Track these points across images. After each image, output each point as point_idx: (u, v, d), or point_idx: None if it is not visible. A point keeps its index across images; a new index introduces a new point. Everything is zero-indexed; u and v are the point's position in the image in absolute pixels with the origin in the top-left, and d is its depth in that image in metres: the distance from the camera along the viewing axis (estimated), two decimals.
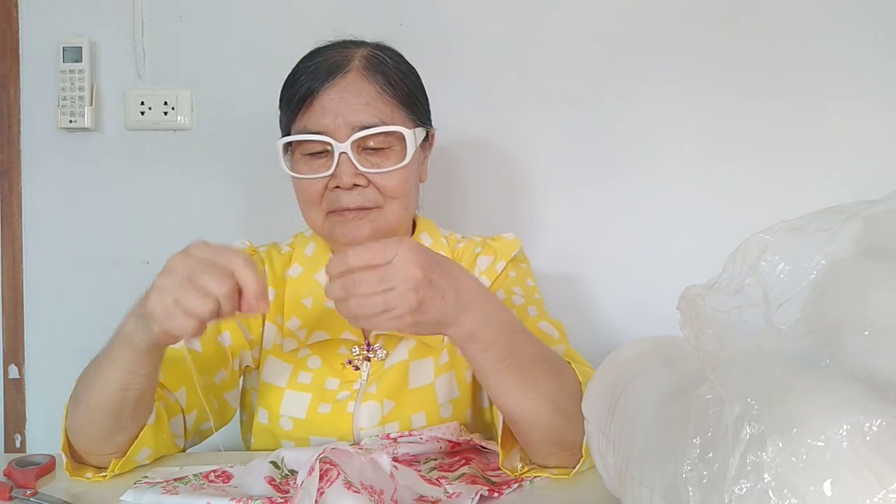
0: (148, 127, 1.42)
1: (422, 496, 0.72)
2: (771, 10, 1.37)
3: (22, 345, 1.44)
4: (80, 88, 1.39)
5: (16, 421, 1.45)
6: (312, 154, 0.92)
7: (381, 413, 0.93)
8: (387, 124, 0.90)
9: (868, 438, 0.38)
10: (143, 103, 1.41)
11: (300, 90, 0.91)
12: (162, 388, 0.88)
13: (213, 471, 0.79)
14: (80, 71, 1.39)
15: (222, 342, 0.95)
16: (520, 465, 0.79)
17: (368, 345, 0.97)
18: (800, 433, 0.38)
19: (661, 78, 1.38)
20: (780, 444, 0.39)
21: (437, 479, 0.75)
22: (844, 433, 0.38)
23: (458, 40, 1.40)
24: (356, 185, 0.90)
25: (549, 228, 1.42)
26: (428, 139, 0.99)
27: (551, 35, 1.39)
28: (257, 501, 0.70)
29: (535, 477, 0.79)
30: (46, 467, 0.80)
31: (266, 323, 0.99)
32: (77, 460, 0.82)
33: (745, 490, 0.39)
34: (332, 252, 1.01)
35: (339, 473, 0.65)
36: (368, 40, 0.97)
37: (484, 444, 0.89)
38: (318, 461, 0.67)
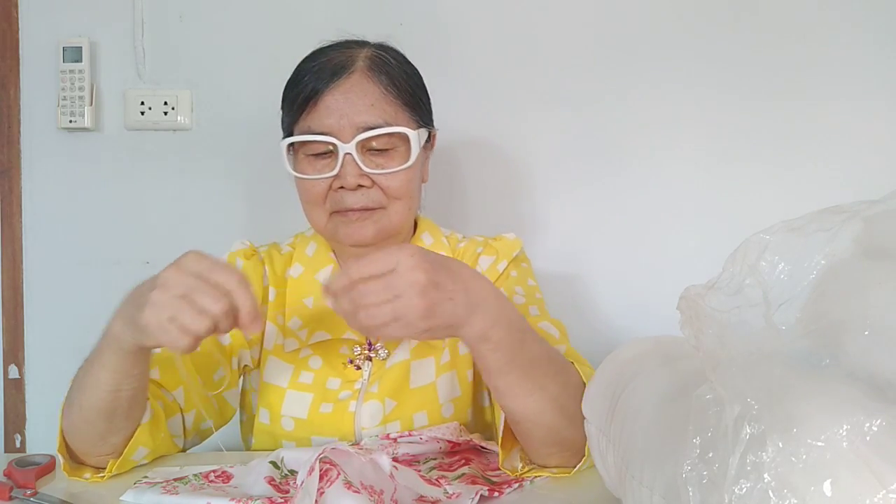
0: (148, 127, 1.42)
1: (421, 496, 0.72)
2: (771, 10, 1.37)
3: (22, 345, 1.44)
4: (80, 88, 1.39)
5: (16, 421, 1.45)
6: (316, 154, 0.92)
7: (383, 412, 0.93)
8: (391, 125, 0.90)
9: (868, 438, 0.38)
10: (143, 103, 1.41)
11: (304, 90, 0.91)
12: (159, 387, 0.88)
13: (213, 471, 0.79)
14: (80, 71, 1.39)
15: (221, 341, 0.95)
16: (520, 464, 0.79)
17: (370, 344, 0.97)
18: (800, 433, 0.38)
19: (661, 78, 1.38)
20: (780, 444, 0.39)
21: (436, 480, 0.75)
22: (844, 433, 0.38)
23: (457, 40, 1.40)
24: (360, 186, 0.90)
25: (549, 228, 1.42)
26: (430, 139, 0.99)
27: (551, 35, 1.40)
28: (257, 501, 0.70)
29: (536, 477, 0.79)
30: (46, 467, 0.80)
31: (268, 323, 0.99)
32: (75, 461, 0.82)
33: (745, 490, 0.39)
34: (334, 252, 1.01)
35: (339, 473, 0.65)
36: (371, 40, 0.97)
37: (484, 444, 0.89)
38: (317, 461, 0.67)
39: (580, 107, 1.40)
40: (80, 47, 1.39)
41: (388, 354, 0.96)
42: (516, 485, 0.77)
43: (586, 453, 0.76)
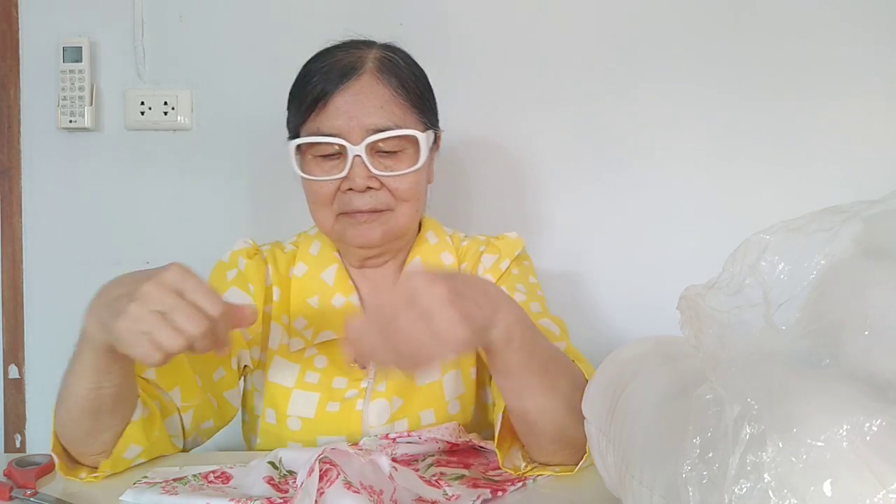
0: (148, 127, 1.42)
1: (420, 497, 0.72)
2: (771, 10, 1.37)
3: (22, 345, 1.44)
4: (80, 88, 1.39)
5: (16, 421, 1.45)
6: (325, 156, 0.92)
7: (390, 410, 0.93)
8: (400, 127, 0.90)
9: (868, 438, 0.38)
10: (143, 103, 1.41)
11: (313, 91, 0.91)
12: (156, 387, 0.87)
13: (213, 471, 0.79)
14: (80, 71, 1.39)
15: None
16: (523, 463, 0.79)
17: None
18: (800, 433, 0.38)
19: (662, 78, 1.38)
20: (780, 444, 0.39)
21: (436, 481, 0.75)
22: (844, 433, 0.38)
23: (457, 40, 1.40)
24: (369, 188, 0.91)
25: (548, 228, 1.42)
26: (436, 141, 0.99)
27: (551, 35, 1.40)
28: (256, 502, 0.70)
29: (538, 475, 0.79)
30: (46, 467, 0.80)
31: (272, 323, 0.99)
32: (71, 461, 0.81)
33: (745, 490, 0.39)
34: (339, 252, 1.01)
35: (338, 474, 0.65)
36: (377, 40, 0.97)
37: (482, 444, 0.89)
38: (317, 462, 0.67)
39: (580, 106, 1.40)
40: (80, 47, 1.39)
41: None
42: (519, 484, 0.77)
43: (587, 450, 0.76)
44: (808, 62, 1.37)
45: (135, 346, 0.66)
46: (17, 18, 1.42)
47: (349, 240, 0.94)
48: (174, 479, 0.77)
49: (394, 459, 0.74)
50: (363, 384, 0.95)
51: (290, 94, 0.95)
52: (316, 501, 0.63)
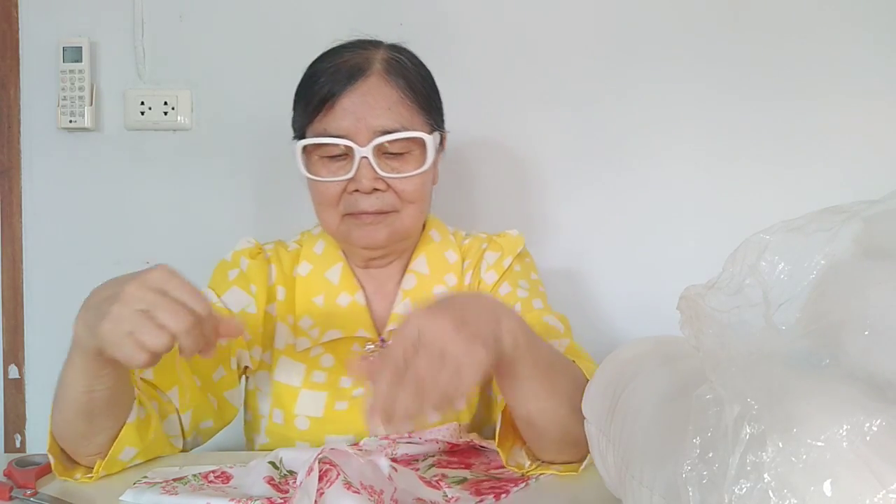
0: (148, 127, 1.42)
1: (420, 498, 0.71)
2: (771, 10, 1.37)
3: (22, 345, 1.44)
4: (80, 88, 1.39)
5: (16, 421, 1.45)
6: (331, 157, 0.92)
7: None
8: (408, 129, 0.90)
9: (868, 438, 0.38)
10: (143, 103, 1.41)
11: (320, 92, 0.90)
12: (154, 388, 0.87)
13: (213, 471, 0.79)
14: (80, 71, 1.39)
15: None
16: (527, 462, 0.79)
17: (382, 341, 0.97)
18: (800, 433, 0.38)
19: (662, 77, 1.38)
20: (780, 444, 0.39)
21: (436, 481, 0.75)
22: (844, 433, 0.38)
23: (458, 40, 1.40)
24: (375, 190, 0.91)
25: (549, 228, 1.42)
26: (441, 142, 0.99)
27: (551, 35, 1.40)
28: (257, 502, 0.70)
29: (541, 474, 0.79)
30: (46, 467, 0.80)
31: (277, 323, 0.98)
32: (69, 461, 0.81)
33: (745, 490, 0.39)
34: (344, 252, 1.01)
35: (338, 474, 0.65)
36: (383, 40, 0.97)
37: (483, 444, 0.89)
38: (316, 461, 0.67)
39: (580, 106, 1.40)
40: (80, 47, 1.39)
41: None
42: (522, 484, 0.77)
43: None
44: (808, 62, 1.37)
45: (119, 346, 0.65)
46: (17, 18, 1.42)
47: (354, 240, 0.94)
48: (174, 480, 0.77)
49: (394, 460, 0.74)
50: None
51: (297, 93, 0.95)
52: (315, 502, 0.63)
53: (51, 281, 1.44)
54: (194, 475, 0.78)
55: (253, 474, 0.77)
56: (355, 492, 0.63)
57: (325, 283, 0.99)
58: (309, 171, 0.93)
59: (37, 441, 1.45)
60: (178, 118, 1.41)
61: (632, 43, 1.39)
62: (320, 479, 0.65)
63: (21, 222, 1.44)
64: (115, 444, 0.79)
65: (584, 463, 0.77)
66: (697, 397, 0.46)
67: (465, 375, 0.61)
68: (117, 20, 1.41)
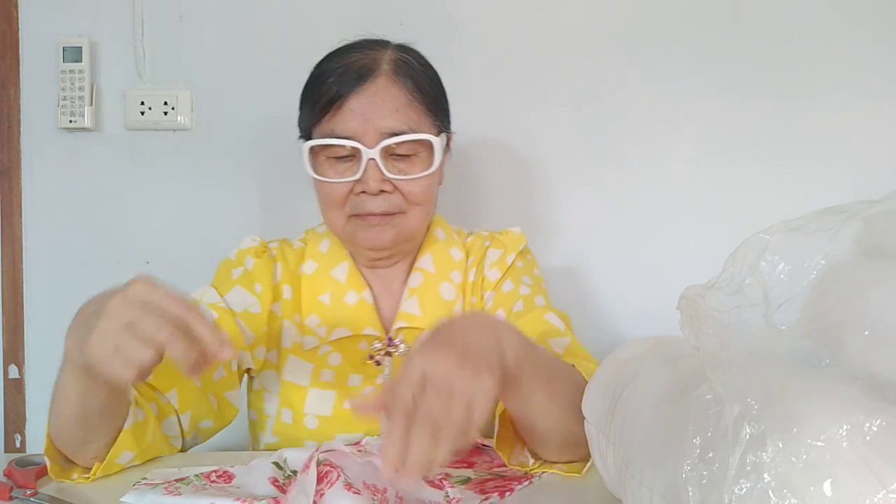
0: (148, 127, 1.42)
1: (420, 499, 0.71)
2: (771, 10, 1.37)
3: (22, 345, 1.44)
4: (80, 88, 1.39)
5: (16, 421, 1.45)
6: (338, 157, 0.92)
7: None
8: (415, 131, 0.90)
9: (868, 438, 0.38)
10: (143, 103, 1.41)
11: (328, 92, 0.90)
12: (153, 389, 0.87)
13: (214, 471, 0.79)
14: (80, 71, 1.39)
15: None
16: (531, 460, 0.79)
17: (390, 339, 0.97)
18: (800, 433, 0.38)
19: (662, 77, 1.38)
20: (780, 444, 0.39)
21: (439, 481, 0.75)
22: (844, 433, 0.38)
23: (458, 40, 1.40)
24: (382, 191, 0.91)
25: (549, 228, 1.42)
26: (447, 143, 0.99)
27: (552, 35, 1.40)
28: (262, 502, 0.70)
29: (544, 472, 0.79)
30: (46, 467, 0.80)
31: (284, 321, 0.98)
32: (66, 461, 0.80)
33: (745, 490, 0.39)
34: (349, 252, 1.01)
35: (339, 475, 0.65)
36: (391, 40, 0.96)
37: (484, 442, 0.89)
38: (316, 455, 0.66)
39: (580, 106, 1.40)
40: (80, 47, 1.39)
41: (408, 349, 0.97)
42: (527, 482, 0.77)
43: None
44: (808, 62, 1.37)
45: (107, 363, 0.64)
46: (17, 18, 1.42)
47: (360, 241, 0.94)
48: (176, 480, 0.76)
49: None
50: (378, 380, 0.95)
51: (303, 93, 0.95)
52: (315, 502, 0.63)
53: (51, 281, 1.44)
54: (196, 475, 0.77)
55: (255, 473, 0.77)
56: (356, 492, 0.63)
57: (332, 281, 0.99)
58: (315, 171, 0.93)
59: (37, 441, 1.45)
60: (178, 118, 1.41)
61: (632, 43, 1.39)
62: (320, 480, 0.65)
63: (21, 222, 1.44)
64: (112, 449, 0.78)
65: (588, 465, 0.77)
66: (697, 397, 0.46)
67: (477, 407, 0.60)
68: (117, 20, 1.41)
